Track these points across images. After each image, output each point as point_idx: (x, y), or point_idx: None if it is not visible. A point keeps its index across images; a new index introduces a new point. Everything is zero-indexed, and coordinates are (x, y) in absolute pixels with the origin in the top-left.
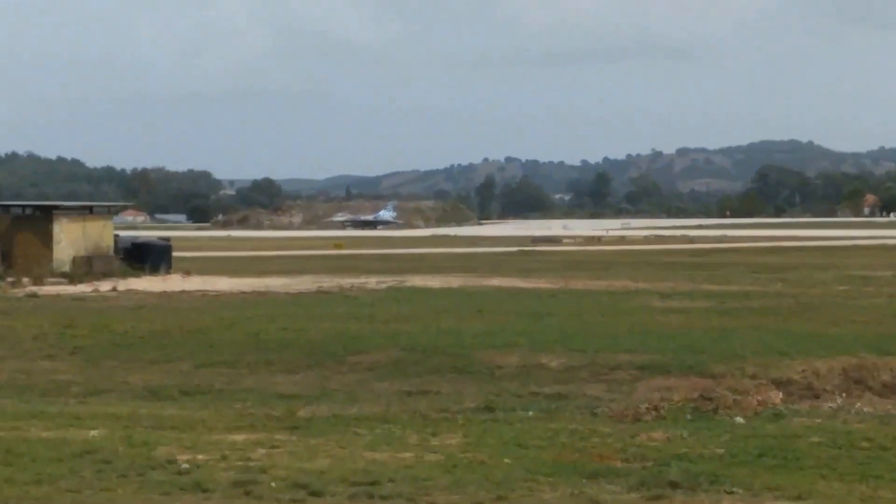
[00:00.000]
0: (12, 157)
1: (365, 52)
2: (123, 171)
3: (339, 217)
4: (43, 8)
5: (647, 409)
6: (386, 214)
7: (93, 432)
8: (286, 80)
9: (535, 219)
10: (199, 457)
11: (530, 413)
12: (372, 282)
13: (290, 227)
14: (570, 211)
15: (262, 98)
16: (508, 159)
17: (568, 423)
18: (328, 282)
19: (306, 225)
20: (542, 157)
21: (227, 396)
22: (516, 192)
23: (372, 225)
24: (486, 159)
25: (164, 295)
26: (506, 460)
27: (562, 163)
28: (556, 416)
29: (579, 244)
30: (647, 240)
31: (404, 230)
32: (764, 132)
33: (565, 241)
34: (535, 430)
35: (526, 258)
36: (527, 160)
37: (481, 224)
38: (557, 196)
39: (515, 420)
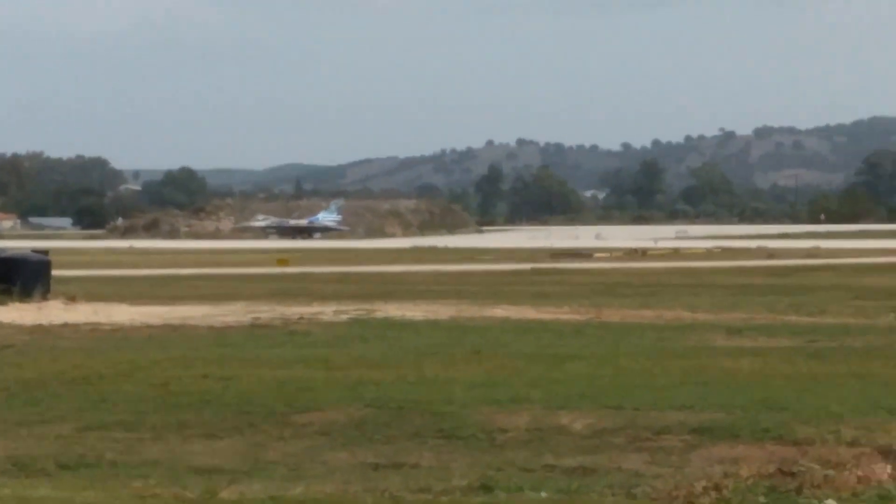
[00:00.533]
0: None
1: None
2: None
3: (260, 220)
4: None
5: (704, 488)
6: (326, 217)
7: None
8: (213, 26)
9: (557, 224)
10: None
11: (543, 495)
12: (328, 312)
13: (216, 235)
14: (606, 213)
15: (178, 51)
16: (521, 142)
17: None
18: (267, 311)
19: (239, 233)
20: (568, 140)
21: (122, 471)
22: (532, 186)
23: (306, 232)
24: (490, 142)
25: (38, 330)
26: None
27: (595, 147)
28: (579, 499)
29: (617, 260)
30: (709, 254)
31: (362, 240)
32: (875, 107)
33: (597, 255)
34: None
35: (543, 279)
36: (547, 143)
37: (482, 231)
38: (588, 193)
39: None
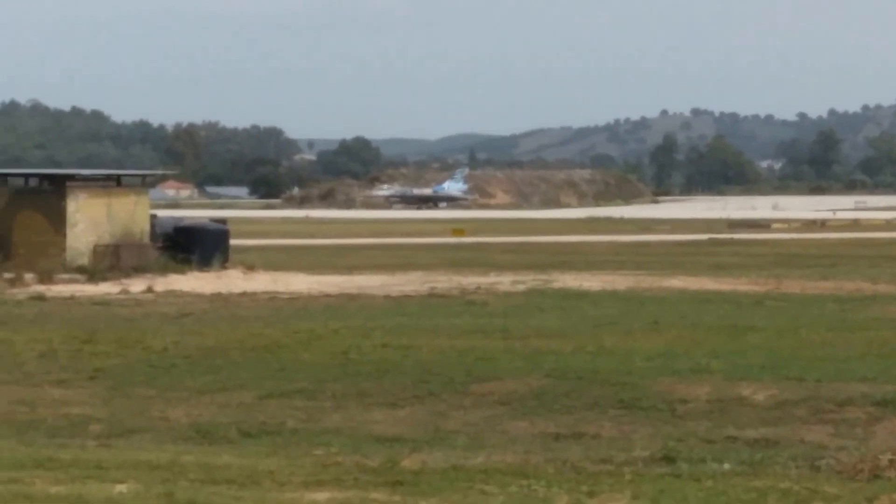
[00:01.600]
0: (11, 107)
1: None
2: (162, 127)
3: (385, 190)
4: None
5: (890, 461)
6: (453, 187)
7: (119, 487)
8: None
9: (734, 195)
10: None
11: (726, 466)
12: (505, 282)
13: (390, 205)
14: (783, 184)
15: (352, 25)
16: (696, 112)
17: (779, 480)
18: (444, 281)
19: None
20: (743, 110)
21: (303, 439)
22: (707, 157)
23: (431, 201)
24: (664, 112)
25: (217, 298)
26: None
27: (770, 117)
28: (763, 471)
29: (795, 231)
30: (889, 224)
31: (537, 210)
32: None
33: (775, 226)
34: (732, 491)
35: (720, 250)
36: (721, 113)
37: (657, 202)
38: (765, 163)
39: (705, 476)
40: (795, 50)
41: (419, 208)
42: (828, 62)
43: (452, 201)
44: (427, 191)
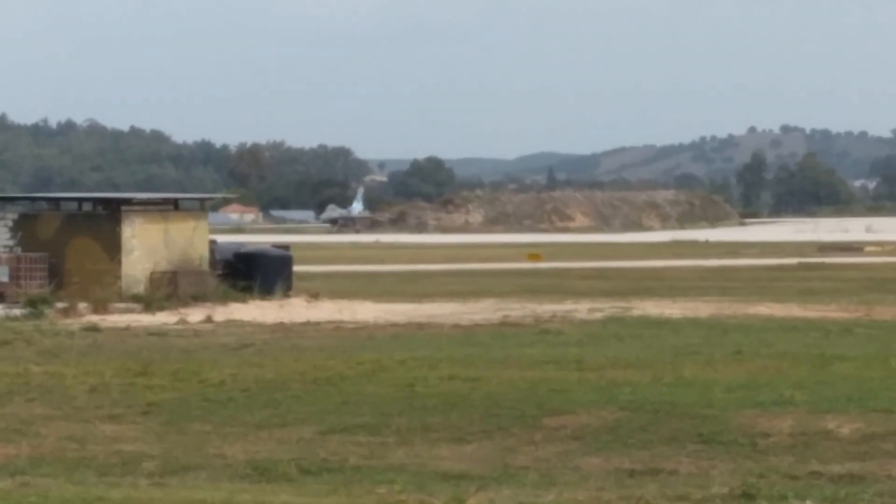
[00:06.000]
0: (67, 127)
1: None
2: (225, 147)
3: (330, 212)
4: None
5: None
6: (356, 208)
7: None
8: (458, 14)
9: (825, 216)
10: None
11: (808, 503)
12: (582, 309)
13: (465, 228)
14: (877, 205)
15: (423, 41)
16: (786, 129)
17: None
18: (518, 309)
19: (490, 225)
20: (836, 126)
21: (366, 476)
22: (797, 176)
23: (350, 224)
24: (752, 129)
25: (280, 328)
26: None
27: (864, 134)
28: None
29: (889, 254)
30: None
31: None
32: None
33: (868, 249)
34: None
35: (809, 274)
36: (813, 130)
37: (745, 224)
38: (858, 183)
39: None
40: (890, 62)
41: (341, 232)
42: None
43: (350, 222)
44: (343, 212)
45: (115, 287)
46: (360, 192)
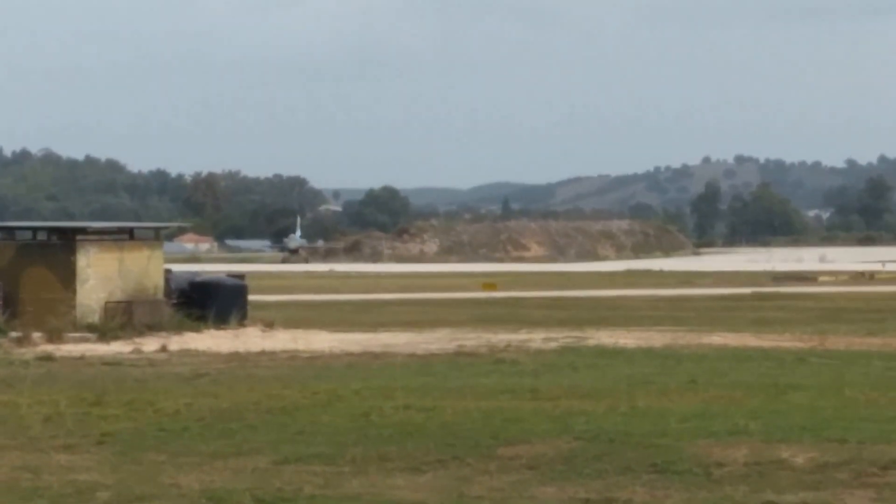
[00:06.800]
0: (22, 156)
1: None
2: (180, 176)
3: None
4: None
5: None
6: (295, 238)
7: None
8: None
9: (779, 246)
10: None
11: None
12: (537, 339)
13: (420, 258)
14: (830, 234)
15: (379, 71)
16: (740, 159)
17: None
18: (473, 339)
19: (445, 255)
20: (790, 156)
21: None
22: (751, 206)
23: (290, 252)
24: (707, 159)
25: (235, 357)
26: None
27: (818, 164)
28: None
29: (842, 284)
30: None
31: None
32: None
33: (822, 278)
34: None
35: (763, 304)
36: (767, 160)
37: (699, 254)
38: (812, 213)
39: None
40: (844, 93)
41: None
42: (878, 106)
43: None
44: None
45: (69, 316)
46: (298, 221)
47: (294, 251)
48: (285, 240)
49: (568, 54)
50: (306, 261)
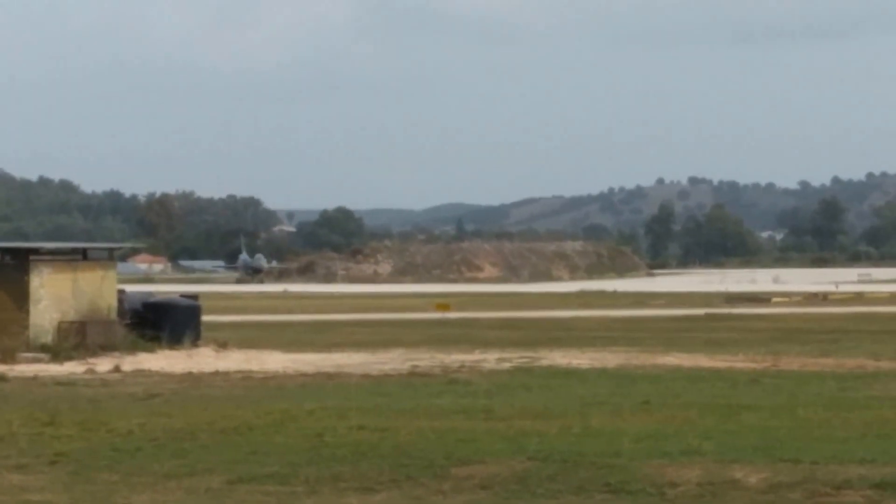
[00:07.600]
0: None
1: (485, 24)
2: (134, 197)
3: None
4: None
5: None
6: (243, 259)
7: None
8: (367, 62)
9: (733, 267)
10: None
11: None
12: (490, 359)
13: (374, 278)
14: (784, 256)
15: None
16: (694, 181)
17: None
18: (427, 359)
19: (398, 275)
20: (743, 178)
21: None
22: (705, 227)
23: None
24: (660, 180)
25: (188, 378)
26: None
27: (771, 185)
28: None
29: (795, 304)
30: (895, 298)
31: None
32: None
33: (775, 299)
34: None
35: (717, 325)
36: (720, 181)
37: (653, 275)
38: (765, 234)
39: None
40: (797, 115)
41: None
42: (831, 128)
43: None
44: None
45: (22, 336)
46: (243, 241)
47: (258, 271)
48: (249, 259)
49: (522, 75)
50: (261, 281)
